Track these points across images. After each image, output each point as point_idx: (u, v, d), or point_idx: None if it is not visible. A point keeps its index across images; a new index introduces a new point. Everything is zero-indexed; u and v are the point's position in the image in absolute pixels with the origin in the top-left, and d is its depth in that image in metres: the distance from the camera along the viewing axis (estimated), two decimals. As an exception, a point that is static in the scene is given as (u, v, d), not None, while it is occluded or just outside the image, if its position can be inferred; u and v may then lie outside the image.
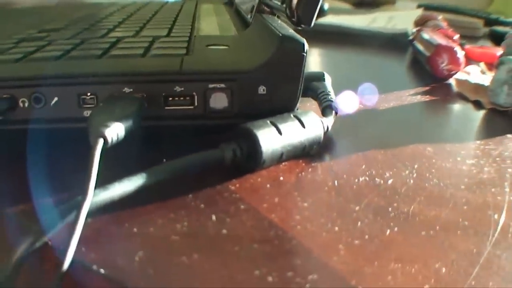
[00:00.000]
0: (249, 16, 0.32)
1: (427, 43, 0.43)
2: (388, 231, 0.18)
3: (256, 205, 0.19)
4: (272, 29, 0.24)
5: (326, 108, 0.26)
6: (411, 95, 0.35)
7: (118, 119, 0.19)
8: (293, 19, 0.24)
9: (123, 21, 0.39)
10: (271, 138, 0.21)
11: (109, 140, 0.18)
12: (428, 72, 0.41)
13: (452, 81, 0.40)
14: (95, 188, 0.17)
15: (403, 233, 0.18)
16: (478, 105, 0.34)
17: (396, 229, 0.18)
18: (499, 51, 0.46)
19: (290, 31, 0.24)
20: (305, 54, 0.23)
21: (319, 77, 0.28)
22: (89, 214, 0.16)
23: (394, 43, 0.56)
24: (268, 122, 0.22)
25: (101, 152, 0.18)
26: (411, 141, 0.27)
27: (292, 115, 0.23)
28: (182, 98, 0.23)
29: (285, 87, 0.23)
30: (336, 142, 0.26)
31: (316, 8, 0.23)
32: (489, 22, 0.66)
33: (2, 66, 0.24)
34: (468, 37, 0.57)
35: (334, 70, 0.30)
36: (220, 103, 0.23)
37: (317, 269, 0.16)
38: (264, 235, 0.17)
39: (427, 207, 0.20)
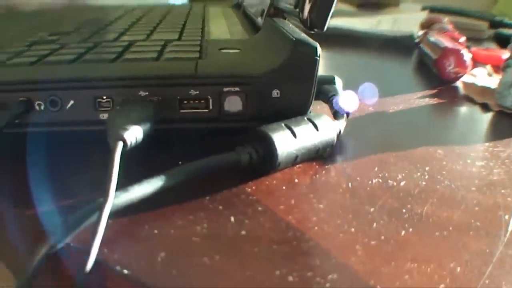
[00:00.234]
0: (259, 20, 0.33)
1: (434, 46, 0.43)
2: (403, 232, 0.18)
3: (273, 206, 0.20)
4: (285, 33, 0.25)
5: (338, 111, 0.26)
6: (419, 98, 0.36)
7: (137, 122, 0.20)
8: (306, 23, 0.24)
9: (132, 24, 0.39)
10: (286, 141, 0.21)
11: (129, 143, 0.19)
12: (435, 74, 0.41)
13: (459, 83, 0.40)
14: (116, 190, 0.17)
15: (417, 233, 0.18)
16: (485, 107, 0.35)
17: (410, 230, 0.18)
18: (504, 53, 0.47)
19: (303, 35, 0.24)
20: (318, 58, 0.23)
21: (330, 80, 0.29)
22: (110, 216, 0.17)
23: (399, 45, 0.56)
24: (283, 125, 0.22)
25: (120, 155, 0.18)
26: (421, 144, 0.27)
27: (306, 118, 0.23)
28: (197, 102, 0.23)
29: (299, 91, 0.23)
30: (347, 145, 0.26)
31: (329, 12, 0.23)
32: (494, 24, 0.66)
33: (18, 69, 0.24)
34: (473, 39, 0.57)
35: (340, 73, 0.30)
36: (234, 106, 0.23)
37: (336, 269, 0.16)
38: (282, 236, 0.18)
39: (439, 208, 0.20)
